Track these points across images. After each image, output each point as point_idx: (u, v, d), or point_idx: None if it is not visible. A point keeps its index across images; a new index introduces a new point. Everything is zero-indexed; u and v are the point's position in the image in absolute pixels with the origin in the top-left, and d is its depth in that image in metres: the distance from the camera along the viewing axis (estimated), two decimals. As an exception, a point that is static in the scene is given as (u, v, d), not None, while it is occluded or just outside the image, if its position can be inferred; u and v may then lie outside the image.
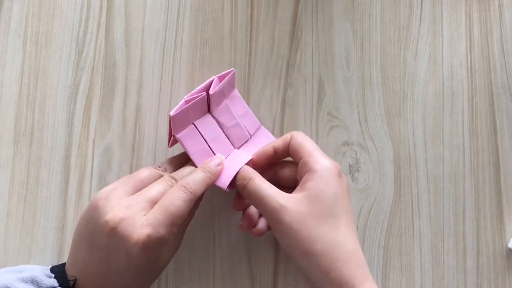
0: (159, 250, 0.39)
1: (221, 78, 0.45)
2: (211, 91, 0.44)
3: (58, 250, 0.46)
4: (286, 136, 0.44)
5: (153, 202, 0.40)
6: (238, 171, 0.42)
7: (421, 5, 0.51)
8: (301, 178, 0.41)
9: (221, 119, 0.46)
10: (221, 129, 0.46)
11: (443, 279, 0.47)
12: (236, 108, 0.47)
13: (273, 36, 0.50)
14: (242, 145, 0.46)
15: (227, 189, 0.42)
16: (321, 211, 0.39)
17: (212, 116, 0.45)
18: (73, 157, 0.48)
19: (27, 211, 0.47)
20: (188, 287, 0.46)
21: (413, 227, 0.48)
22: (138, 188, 0.41)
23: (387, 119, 0.49)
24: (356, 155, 0.48)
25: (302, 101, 0.49)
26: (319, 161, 0.41)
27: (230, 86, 0.47)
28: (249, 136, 0.47)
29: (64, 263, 0.41)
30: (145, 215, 0.39)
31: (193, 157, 0.43)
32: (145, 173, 0.43)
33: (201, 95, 0.43)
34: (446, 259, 0.47)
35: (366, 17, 0.50)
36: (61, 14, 0.50)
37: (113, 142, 0.48)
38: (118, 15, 0.50)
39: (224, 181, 0.42)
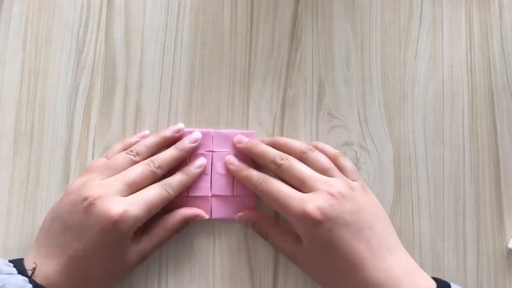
0: (131, 230, 0.40)
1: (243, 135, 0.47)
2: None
3: (58, 250, 0.46)
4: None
5: (130, 185, 0.41)
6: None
7: (421, 5, 0.51)
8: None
9: (216, 163, 0.47)
10: (211, 171, 0.47)
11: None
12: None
13: (273, 36, 0.50)
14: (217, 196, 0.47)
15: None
16: (331, 258, 0.41)
17: (212, 155, 0.47)
18: (73, 157, 0.47)
19: (27, 211, 0.47)
20: (188, 287, 0.46)
21: (413, 227, 0.48)
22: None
23: (387, 119, 0.49)
24: (356, 155, 0.48)
25: (302, 101, 0.49)
26: (294, 223, 0.42)
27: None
28: (232, 196, 0.47)
29: (22, 258, 0.41)
30: (122, 196, 0.41)
31: None
32: (118, 160, 0.44)
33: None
34: (446, 259, 0.47)
35: (366, 17, 0.50)
36: (61, 14, 0.50)
37: (113, 142, 0.48)
38: (118, 15, 0.50)
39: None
